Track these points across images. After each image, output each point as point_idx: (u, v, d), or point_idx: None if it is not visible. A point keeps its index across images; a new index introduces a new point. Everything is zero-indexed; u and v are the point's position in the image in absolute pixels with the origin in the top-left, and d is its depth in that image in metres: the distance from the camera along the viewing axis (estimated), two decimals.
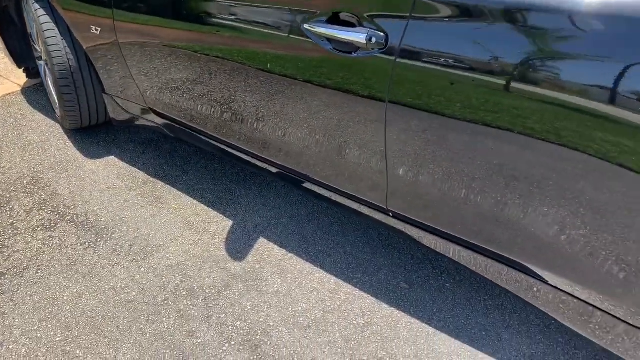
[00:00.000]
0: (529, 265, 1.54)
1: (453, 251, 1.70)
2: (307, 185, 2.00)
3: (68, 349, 1.76)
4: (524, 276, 1.57)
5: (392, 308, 1.93)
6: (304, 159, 1.89)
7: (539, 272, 1.53)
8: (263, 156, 2.04)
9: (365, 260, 2.13)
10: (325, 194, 1.95)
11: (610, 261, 1.36)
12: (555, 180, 1.34)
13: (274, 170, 2.07)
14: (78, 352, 1.75)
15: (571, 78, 1.24)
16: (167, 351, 1.77)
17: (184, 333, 1.83)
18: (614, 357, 1.52)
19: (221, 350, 1.77)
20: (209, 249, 2.16)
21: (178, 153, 2.73)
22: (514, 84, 1.30)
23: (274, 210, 2.37)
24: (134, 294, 1.96)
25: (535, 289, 1.58)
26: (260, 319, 1.88)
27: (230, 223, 2.29)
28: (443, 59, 1.39)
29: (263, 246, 2.18)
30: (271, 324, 1.87)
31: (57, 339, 1.79)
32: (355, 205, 1.88)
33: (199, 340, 1.80)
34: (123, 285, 1.99)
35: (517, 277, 1.59)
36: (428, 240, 1.73)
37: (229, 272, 2.06)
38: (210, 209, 2.37)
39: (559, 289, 1.51)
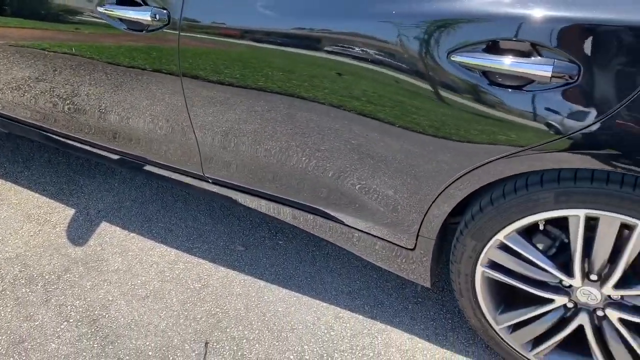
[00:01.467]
0: (325, 209, 1.73)
1: (267, 208, 1.87)
2: (127, 161, 2.09)
3: None
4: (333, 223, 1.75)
5: (228, 269, 2.07)
6: (127, 140, 1.97)
7: (334, 214, 1.72)
8: (89, 140, 2.10)
9: (206, 231, 2.25)
10: (155, 171, 2.05)
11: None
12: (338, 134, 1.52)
13: (109, 155, 2.13)
14: None
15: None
16: (4, 337, 1.80)
17: (22, 318, 1.87)
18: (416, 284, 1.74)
19: (59, 329, 1.83)
20: (49, 238, 2.19)
21: (20, 150, 2.71)
22: (282, 48, 1.47)
23: (118, 195, 2.44)
24: None
25: (354, 236, 1.77)
26: (100, 296, 1.95)
27: (72, 212, 2.33)
28: (219, 30, 1.53)
29: (105, 230, 2.24)
30: (110, 298, 1.95)
31: None
32: (182, 178, 2.00)
33: (37, 323, 1.85)
34: None
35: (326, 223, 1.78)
36: (243, 199, 1.88)
37: (69, 257, 2.11)
38: (52, 200, 2.39)
39: (361, 230, 1.71)
